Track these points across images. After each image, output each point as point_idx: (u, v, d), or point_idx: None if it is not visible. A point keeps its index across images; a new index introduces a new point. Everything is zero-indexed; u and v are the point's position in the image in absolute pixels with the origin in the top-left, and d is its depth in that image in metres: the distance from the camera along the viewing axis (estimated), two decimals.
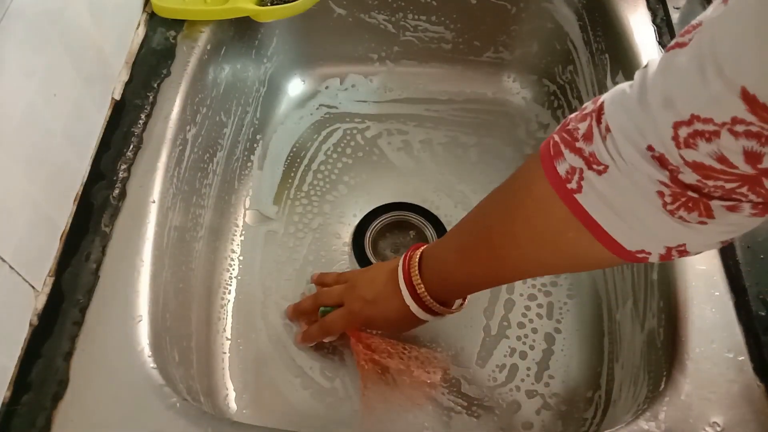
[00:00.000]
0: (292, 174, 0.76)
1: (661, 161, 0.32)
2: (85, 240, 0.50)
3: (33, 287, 0.46)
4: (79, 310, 0.46)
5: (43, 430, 0.42)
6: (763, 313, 0.47)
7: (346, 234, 0.71)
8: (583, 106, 0.37)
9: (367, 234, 0.70)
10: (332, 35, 0.82)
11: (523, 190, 0.41)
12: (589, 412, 0.59)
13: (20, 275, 0.44)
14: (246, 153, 0.74)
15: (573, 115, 0.37)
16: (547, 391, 0.61)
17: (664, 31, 0.66)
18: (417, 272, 0.52)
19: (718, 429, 0.43)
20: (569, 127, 0.36)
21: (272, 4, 0.65)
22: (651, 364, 0.50)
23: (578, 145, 0.35)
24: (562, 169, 0.36)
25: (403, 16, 0.80)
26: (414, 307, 0.53)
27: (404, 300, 0.53)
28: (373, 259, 0.68)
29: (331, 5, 0.79)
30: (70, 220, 0.50)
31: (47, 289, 0.47)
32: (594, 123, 0.34)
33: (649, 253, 0.36)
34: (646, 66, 0.32)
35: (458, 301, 0.56)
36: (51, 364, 0.44)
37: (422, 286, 0.52)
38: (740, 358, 0.46)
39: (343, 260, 0.70)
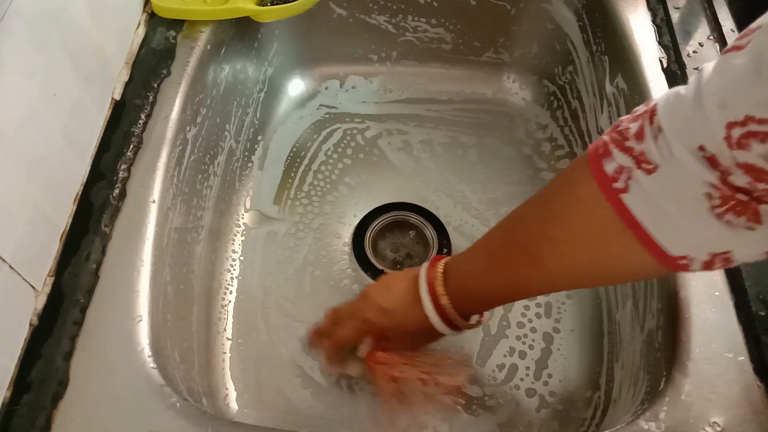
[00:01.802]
0: (293, 174, 0.76)
1: (712, 162, 0.31)
2: (85, 240, 0.50)
3: (33, 287, 0.46)
4: (79, 310, 0.46)
5: (43, 430, 0.42)
6: (763, 313, 0.47)
7: (347, 234, 0.71)
8: (635, 108, 0.36)
9: (367, 234, 0.70)
10: (332, 35, 0.82)
11: (566, 190, 0.40)
12: (589, 411, 0.59)
13: (20, 275, 0.44)
14: (246, 153, 0.74)
15: (625, 117, 0.37)
16: (546, 391, 0.61)
17: (664, 31, 0.66)
18: (441, 283, 0.50)
19: (718, 429, 0.43)
20: (620, 127, 0.36)
21: (272, 4, 0.65)
22: (651, 365, 0.50)
23: (628, 144, 0.35)
24: (609, 168, 0.36)
25: (403, 17, 0.81)
26: (435, 320, 0.50)
27: (424, 311, 0.51)
28: (373, 259, 0.68)
29: (332, 5, 0.79)
30: (70, 220, 0.50)
31: (47, 289, 0.47)
32: (646, 123, 0.34)
33: (692, 260, 0.35)
34: (701, 69, 0.32)
35: (475, 317, 0.53)
36: (51, 364, 0.44)
37: (446, 297, 0.50)
38: (740, 358, 0.46)
39: (343, 260, 0.70)
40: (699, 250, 0.35)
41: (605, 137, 0.37)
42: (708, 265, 0.35)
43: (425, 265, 0.52)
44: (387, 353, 0.56)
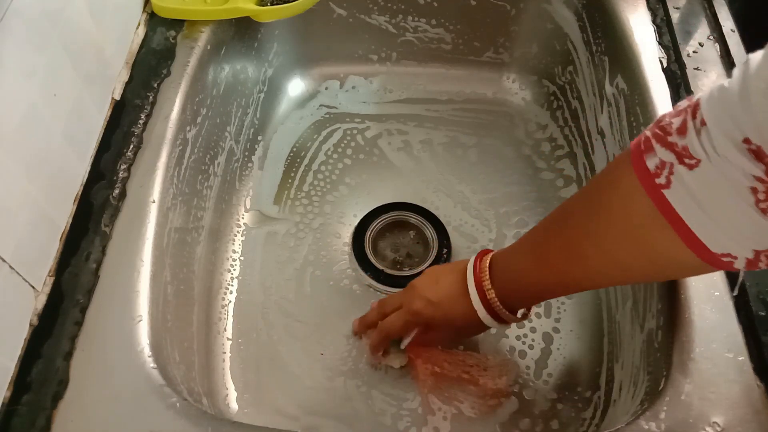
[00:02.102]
0: (293, 174, 0.76)
1: (758, 155, 0.31)
2: (85, 240, 0.50)
3: (33, 287, 0.46)
4: (79, 310, 0.46)
5: (43, 430, 0.42)
6: (763, 313, 0.47)
7: (347, 234, 0.71)
8: (678, 104, 0.36)
9: (368, 234, 0.70)
10: (332, 35, 0.82)
11: (609, 186, 0.40)
12: (589, 411, 0.59)
13: (20, 275, 0.44)
14: (246, 153, 0.74)
15: (667, 112, 0.36)
16: (546, 391, 0.61)
17: (664, 31, 0.66)
18: (488, 277, 0.50)
19: (718, 429, 0.43)
20: (663, 122, 0.35)
21: (272, 4, 0.65)
22: (651, 365, 0.50)
23: (671, 139, 0.34)
24: (651, 163, 0.35)
25: (403, 17, 0.81)
26: (482, 313, 0.51)
27: (472, 305, 0.51)
28: (373, 259, 0.68)
29: (332, 5, 0.79)
30: (70, 220, 0.50)
31: (47, 289, 0.47)
32: (689, 117, 0.33)
33: (735, 258, 0.34)
34: (746, 61, 0.32)
35: (522, 310, 0.54)
36: (51, 364, 0.44)
37: (492, 291, 0.50)
38: (740, 358, 0.46)
39: (343, 260, 0.70)
40: (742, 247, 0.34)
41: (647, 132, 0.36)
42: (752, 264, 0.34)
43: (472, 258, 0.53)
44: (430, 348, 0.56)
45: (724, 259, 0.34)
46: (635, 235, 0.38)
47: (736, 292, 0.48)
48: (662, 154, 0.35)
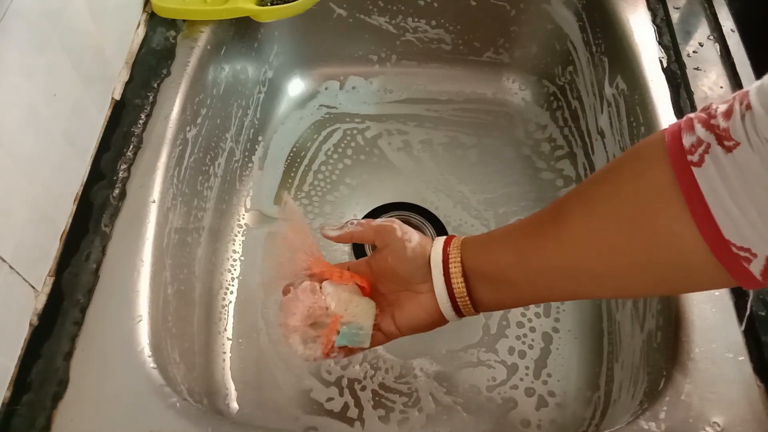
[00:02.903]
0: (293, 174, 0.76)
1: None
2: (85, 240, 0.50)
3: (33, 287, 0.46)
4: (79, 310, 0.46)
5: (43, 430, 0.42)
6: (763, 313, 0.47)
7: None
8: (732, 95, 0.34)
9: None
10: (332, 35, 0.82)
11: (628, 153, 0.37)
12: (588, 411, 0.59)
13: (20, 275, 0.44)
14: (246, 153, 0.74)
15: (716, 100, 0.35)
16: (545, 391, 0.61)
17: (664, 31, 0.66)
18: (459, 266, 0.44)
19: (718, 429, 0.43)
20: (708, 107, 0.34)
21: (272, 4, 0.65)
22: (651, 365, 0.50)
23: (714, 121, 0.33)
24: (687, 141, 0.33)
25: (403, 18, 0.81)
26: (445, 306, 0.45)
27: (436, 299, 0.45)
28: None
29: (332, 6, 0.79)
30: (70, 220, 0.50)
31: (47, 289, 0.47)
32: (736, 103, 0.32)
33: (754, 256, 0.32)
34: None
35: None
36: (51, 364, 0.44)
37: (462, 284, 0.44)
38: (740, 358, 0.46)
39: (343, 260, 0.69)
40: (764, 243, 0.31)
41: (690, 114, 0.35)
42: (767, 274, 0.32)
43: (443, 243, 0.46)
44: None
45: (741, 254, 0.32)
46: (639, 201, 0.35)
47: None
48: (701, 133, 0.33)
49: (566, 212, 0.40)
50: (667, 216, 0.34)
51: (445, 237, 0.47)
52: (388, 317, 0.48)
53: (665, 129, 0.36)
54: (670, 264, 0.36)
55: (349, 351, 0.47)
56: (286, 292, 0.47)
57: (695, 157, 0.33)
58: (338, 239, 0.49)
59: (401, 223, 0.47)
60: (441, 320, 0.47)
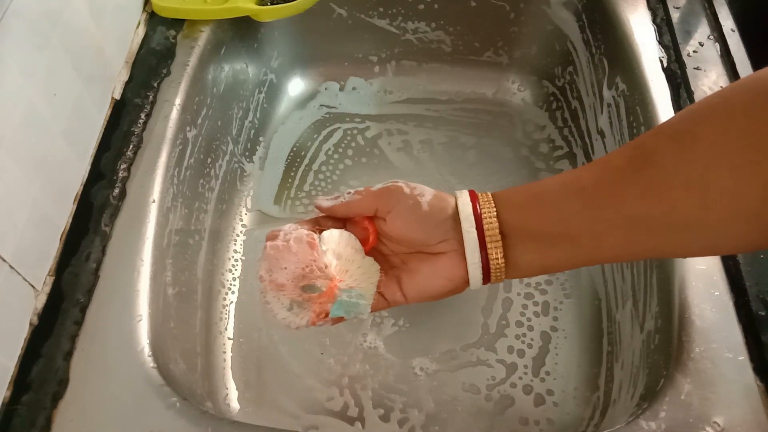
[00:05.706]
0: (293, 174, 0.76)
1: None
2: (85, 240, 0.50)
3: (33, 287, 0.46)
4: (79, 310, 0.46)
5: (43, 430, 0.42)
6: (763, 313, 0.47)
7: None
8: None
9: None
10: (332, 35, 0.82)
11: (740, 87, 0.32)
12: (588, 411, 0.59)
13: (20, 275, 0.44)
14: (247, 153, 0.74)
15: None
16: (544, 389, 0.61)
17: (664, 30, 0.66)
18: (495, 221, 0.37)
19: (718, 429, 0.43)
20: None
21: (272, 4, 0.65)
22: (650, 365, 0.50)
23: None
24: None
25: (403, 20, 0.80)
26: (474, 269, 0.38)
27: (459, 260, 0.38)
28: None
29: (332, 5, 0.79)
30: (70, 220, 0.50)
31: (47, 289, 0.47)
32: None
33: None
34: None
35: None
36: (51, 364, 0.44)
37: (500, 243, 0.37)
38: (740, 358, 0.46)
39: None
40: None
41: None
42: None
43: (471, 196, 0.39)
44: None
45: None
46: (759, 146, 0.30)
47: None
48: None
49: (653, 153, 0.33)
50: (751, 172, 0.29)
51: (467, 189, 0.40)
52: (392, 282, 0.40)
53: None
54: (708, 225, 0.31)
55: (339, 319, 0.39)
56: (272, 237, 0.39)
57: None
58: (332, 211, 0.41)
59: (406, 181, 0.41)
60: (461, 286, 0.40)
